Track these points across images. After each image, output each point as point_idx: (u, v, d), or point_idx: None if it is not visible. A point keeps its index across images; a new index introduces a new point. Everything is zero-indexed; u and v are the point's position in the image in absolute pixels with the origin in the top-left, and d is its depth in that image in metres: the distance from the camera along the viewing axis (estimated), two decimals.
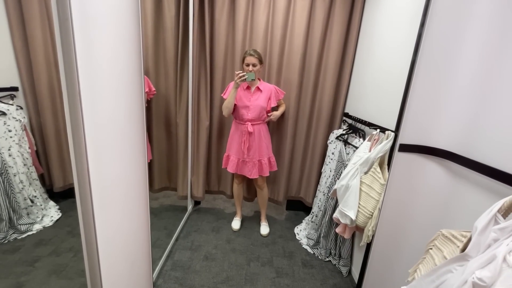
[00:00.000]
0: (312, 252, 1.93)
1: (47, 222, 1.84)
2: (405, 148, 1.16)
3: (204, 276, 1.63)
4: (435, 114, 1.10)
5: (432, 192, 1.14)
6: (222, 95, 1.95)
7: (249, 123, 1.85)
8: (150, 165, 2.25)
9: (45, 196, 1.95)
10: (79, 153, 0.76)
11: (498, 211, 0.65)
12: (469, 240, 0.70)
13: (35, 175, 1.83)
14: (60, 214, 1.94)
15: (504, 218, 0.64)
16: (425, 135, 1.13)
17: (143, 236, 1.19)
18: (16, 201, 1.68)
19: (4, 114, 1.59)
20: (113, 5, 0.81)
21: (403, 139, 1.16)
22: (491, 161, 0.89)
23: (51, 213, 1.91)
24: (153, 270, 1.54)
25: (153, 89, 1.96)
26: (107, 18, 0.79)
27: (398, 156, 1.18)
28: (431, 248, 0.88)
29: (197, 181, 2.29)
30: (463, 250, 0.72)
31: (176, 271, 1.65)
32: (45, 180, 1.97)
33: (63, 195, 2.01)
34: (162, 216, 2.23)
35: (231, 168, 1.96)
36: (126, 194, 0.99)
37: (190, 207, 2.39)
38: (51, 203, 1.98)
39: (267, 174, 1.99)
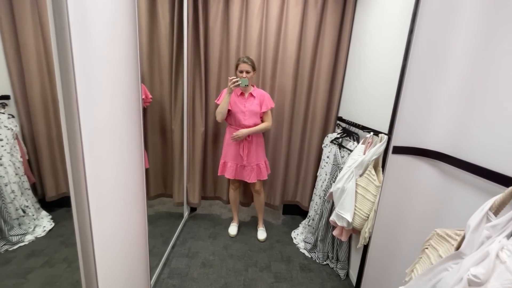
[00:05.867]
0: (309, 256, 1.93)
1: (40, 232, 1.80)
2: (398, 150, 1.19)
3: (202, 283, 1.61)
4: (426, 117, 1.13)
5: (425, 193, 1.17)
6: (216, 101, 1.96)
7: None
8: (146, 171, 2.23)
9: (37, 206, 1.90)
10: (75, 160, 0.75)
11: (489, 209, 0.67)
12: (463, 238, 0.72)
13: (27, 185, 1.79)
14: (53, 224, 1.89)
15: (496, 216, 0.67)
16: (417, 137, 1.16)
17: (141, 244, 1.18)
18: (8, 212, 1.63)
19: None
20: (111, 14, 0.82)
21: (396, 141, 1.18)
22: (481, 161, 0.92)
23: (44, 223, 1.87)
24: (150, 278, 1.51)
25: (150, 96, 1.96)
26: (104, 25, 0.79)
27: (391, 158, 1.21)
28: (427, 248, 0.89)
29: (193, 187, 2.28)
30: (457, 248, 0.74)
31: (173, 279, 1.63)
32: (37, 190, 1.93)
33: (55, 205, 1.97)
34: (158, 224, 2.20)
35: (229, 174, 1.96)
36: (124, 201, 0.98)
37: (186, 213, 2.37)
38: (44, 213, 1.93)
39: (266, 177, 2.01)
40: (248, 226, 2.29)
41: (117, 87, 0.88)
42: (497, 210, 0.68)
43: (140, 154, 1.08)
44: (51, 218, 1.93)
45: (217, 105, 1.93)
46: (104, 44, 0.80)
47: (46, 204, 1.95)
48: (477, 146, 0.95)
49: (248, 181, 1.96)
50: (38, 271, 1.51)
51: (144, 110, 2.08)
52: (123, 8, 0.88)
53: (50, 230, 1.84)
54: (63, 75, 0.70)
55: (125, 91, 0.92)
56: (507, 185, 0.69)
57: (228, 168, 1.97)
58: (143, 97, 1.88)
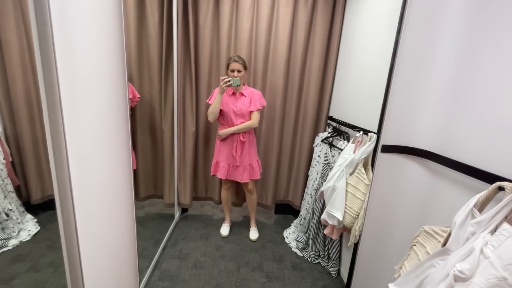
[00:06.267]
0: (301, 255, 1.94)
1: (24, 236, 1.74)
2: (387, 149, 1.20)
3: (194, 285, 1.59)
4: (414, 116, 1.15)
5: (414, 190, 1.19)
6: (207, 100, 1.95)
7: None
8: (135, 172, 2.20)
9: (22, 209, 1.84)
10: (59, 161, 0.73)
11: (474, 205, 0.69)
12: (449, 235, 0.74)
13: (10, 187, 1.73)
14: (39, 228, 1.83)
15: (480, 212, 0.68)
16: (406, 136, 1.18)
17: (129, 247, 1.15)
18: None
19: None
20: (95, 10, 0.80)
21: (385, 140, 1.20)
22: (466, 159, 0.94)
23: (29, 226, 1.81)
24: (140, 281, 1.49)
25: (138, 95, 1.93)
26: (88, 22, 0.77)
27: (381, 156, 1.22)
28: (414, 245, 0.91)
29: (184, 187, 2.26)
30: (444, 244, 0.75)
31: (164, 281, 1.60)
32: (22, 192, 1.87)
33: (41, 208, 1.90)
34: (148, 225, 2.16)
35: (221, 174, 1.95)
36: (111, 203, 0.96)
37: (177, 214, 2.34)
38: (29, 216, 1.87)
39: (258, 177, 2.00)
40: (240, 226, 2.28)
41: (103, 86, 0.86)
42: (481, 206, 0.69)
43: (128, 154, 1.06)
44: (37, 222, 1.87)
45: (208, 105, 1.91)
46: (88, 42, 0.78)
47: (31, 207, 1.88)
48: (463, 145, 0.97)
49: (241, 181, 1.95)
50: (23, 276, 1.46)
51: (133, 110, 2.04)
52: (108, 5, 0.86)
53: (35, 234, 1.78)
54: (46, 73, 0.68)
55: (111, 90, 0.90)
56: (491, 182, 0.70)
57: (220, 168, 1.96)
58: (130, 96, 1.85)
